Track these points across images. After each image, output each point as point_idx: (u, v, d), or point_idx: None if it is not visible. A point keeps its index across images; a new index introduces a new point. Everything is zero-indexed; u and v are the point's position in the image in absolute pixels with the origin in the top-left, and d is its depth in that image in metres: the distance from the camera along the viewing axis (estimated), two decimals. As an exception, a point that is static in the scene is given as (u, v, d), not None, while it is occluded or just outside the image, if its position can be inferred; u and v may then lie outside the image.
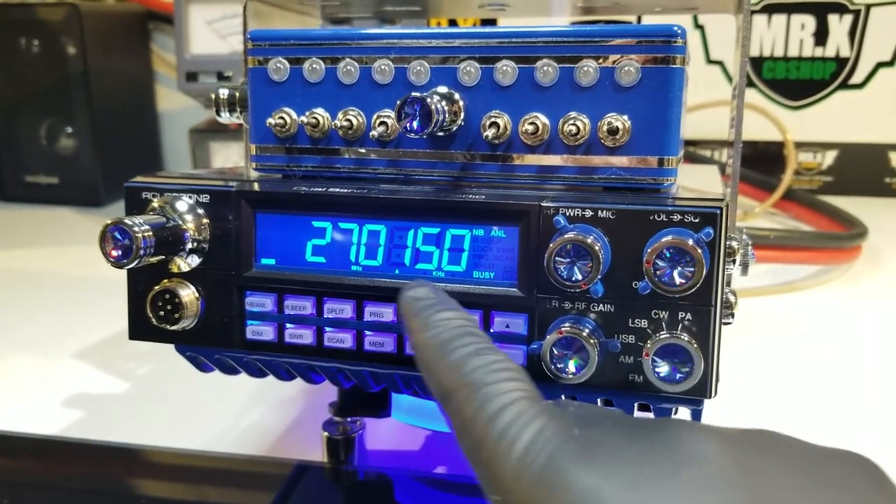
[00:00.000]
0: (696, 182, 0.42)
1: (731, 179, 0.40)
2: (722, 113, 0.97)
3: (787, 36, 1.06)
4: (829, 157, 1.08)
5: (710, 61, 1.08)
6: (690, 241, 0.29)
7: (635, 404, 0.33)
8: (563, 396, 0.34)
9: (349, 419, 0.44)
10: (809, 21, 1.05)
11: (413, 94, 0.32)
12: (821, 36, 1.05)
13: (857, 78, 1.05)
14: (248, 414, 0.51)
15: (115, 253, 0.32)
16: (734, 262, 0.34)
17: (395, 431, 0.48)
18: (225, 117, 0.41)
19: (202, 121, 1.04)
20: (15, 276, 0.82)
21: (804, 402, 0.52)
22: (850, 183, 1.07)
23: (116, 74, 1.15)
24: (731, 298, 0.34)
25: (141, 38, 1.21)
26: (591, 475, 0.22)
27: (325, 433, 0.44)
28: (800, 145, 1.06)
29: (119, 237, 0.32)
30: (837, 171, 1.08)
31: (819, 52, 1.05)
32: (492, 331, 0.33)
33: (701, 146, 1.08)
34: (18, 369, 0.59)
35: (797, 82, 1.07)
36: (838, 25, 1.04)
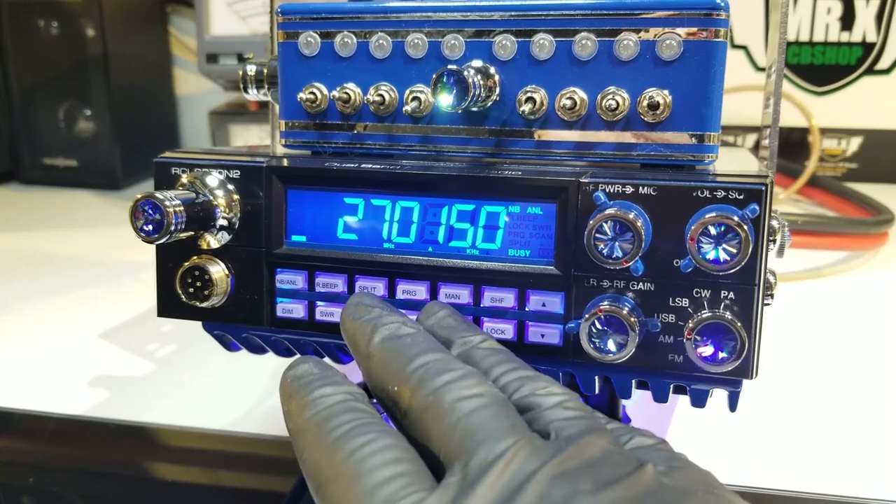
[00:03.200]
0: (731, 162, 0.41)
1: (769, 159, 0.39)
2: (747, 98, 0.96)
3: (813, 20, 1.04)
4: (854, 144, 1.06)
5: (734, 45, 1.06)
6: (735, 218, 0.28)
7: (671, 385, 0.33)
8: (595, 378, 0.34)
9: (375, 400, 0.44)
10: (836, 5, 1.03)
11: (449, 66, 0.32)
12: (847, 20, 1.03)
13: (883, 63, 1.04)
14: (272, 394, 0.51)
15: (146, 228, 0.32)
16: (774, 241, 0.33)
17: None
18: (252, 94, 0.41)
19: (221, 103, 1.04)
20: (34, 258, 0.82)
21: (832, 388, 0.51)
22: (875, 170, 1.06)
23: (135, 57, 1.15)
24: (771, 279, 0.33)
25: (159, 20, 1.21)
26: None
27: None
28: (824, 131, 1.05)
29: (150, 212, 0.32)
30: (862, 157, 1.06)
31: (845, 36, 1.04)
32: (527, 309, 0.32)
33: (725, 132, 1.06)
34: (41, 350, 0.59)
35: (822, 67, 1.05)
36: (865, 10, 1.02)
